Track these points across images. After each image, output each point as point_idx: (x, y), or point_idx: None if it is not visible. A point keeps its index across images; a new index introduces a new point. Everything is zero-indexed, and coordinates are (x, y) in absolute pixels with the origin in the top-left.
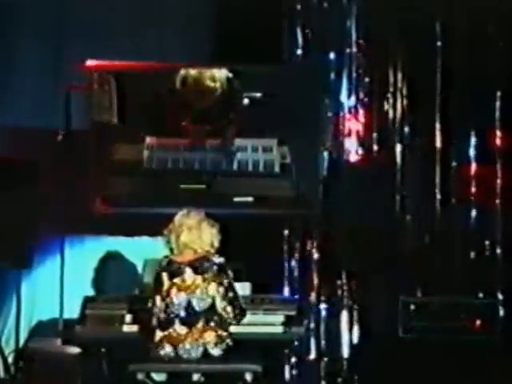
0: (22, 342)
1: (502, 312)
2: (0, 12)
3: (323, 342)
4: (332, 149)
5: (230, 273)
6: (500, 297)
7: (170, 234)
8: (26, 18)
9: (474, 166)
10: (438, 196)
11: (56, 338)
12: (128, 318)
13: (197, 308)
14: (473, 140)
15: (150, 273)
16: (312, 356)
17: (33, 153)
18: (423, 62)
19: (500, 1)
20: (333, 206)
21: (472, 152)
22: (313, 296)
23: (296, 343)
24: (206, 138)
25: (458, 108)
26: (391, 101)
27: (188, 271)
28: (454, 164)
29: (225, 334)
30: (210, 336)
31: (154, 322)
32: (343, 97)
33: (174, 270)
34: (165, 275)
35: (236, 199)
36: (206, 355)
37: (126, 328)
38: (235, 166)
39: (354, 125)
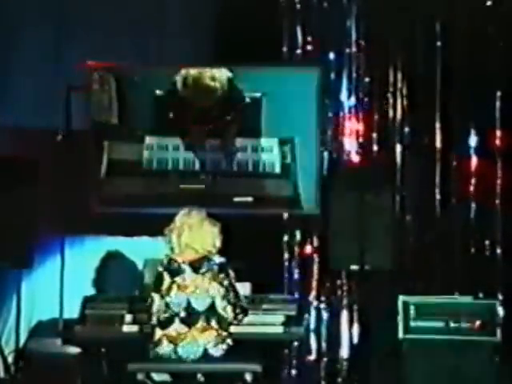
0: (22, 342)
1: (501, 312)
2: (0, 12)
3: (323, 342)
4: (332, 149)
5: (232, 273)
6: (500, 297)
7: (171, 233)
8: (26, 17)
9: (473, 166)
10: (438, 196)
11: (56, 337)
12: (128, 318)
13: (197, 308)
14: (473, 140)
15: (150, 273)
16: (312, 356)
17: (33, 152)
18: (423, 62)
19: (500, 1)
20: (333, 205)
21: (472, 152)
22: (313, 296)
23: (296, 343)
24: (205, 138)
25: (458, 108)
26: (391, 101)
27: (188, 271)
28: (454, 164)
29: (225, 333)
30: (210, 336)
31: (154, 320)
32: (343, 97)
33: (175, 269)
34: (166, 274)
35: (236, 199)
36: (205, 355)
37: (125, 328)
38: (235, 166)
39: (353, 125)
